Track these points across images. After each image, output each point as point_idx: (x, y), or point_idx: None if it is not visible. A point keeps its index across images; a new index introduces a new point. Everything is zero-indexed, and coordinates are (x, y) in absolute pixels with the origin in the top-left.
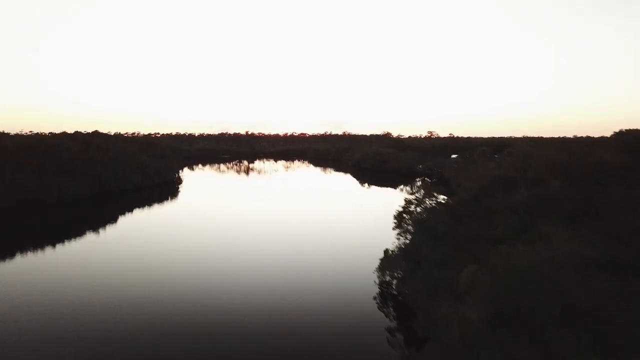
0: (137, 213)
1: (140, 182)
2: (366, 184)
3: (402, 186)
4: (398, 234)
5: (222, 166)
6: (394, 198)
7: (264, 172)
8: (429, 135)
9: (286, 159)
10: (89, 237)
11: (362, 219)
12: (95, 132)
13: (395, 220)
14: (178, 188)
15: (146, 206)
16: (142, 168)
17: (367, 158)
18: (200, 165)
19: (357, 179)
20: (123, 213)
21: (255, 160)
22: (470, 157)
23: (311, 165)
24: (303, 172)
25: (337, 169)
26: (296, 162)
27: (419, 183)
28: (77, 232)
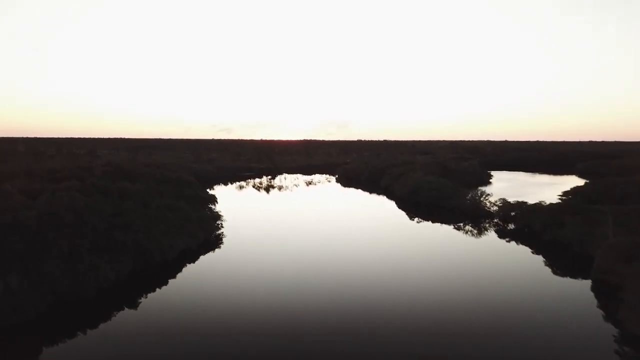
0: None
1: (185, 246)
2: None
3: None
4: None
5: (251, 189)
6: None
7: (304, 199)
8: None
9: (309, 174)
10: None
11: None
12: (121, 169)
13: None
14: (223, 243)
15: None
16: (185, 223)
17: (421, 190)
18: (225, 187)
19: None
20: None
21: (279, 176)
22: None
23: (344, 189)
24: (347, 200)
25: (379, 197)
26: (321, 178)
27: None
28: None
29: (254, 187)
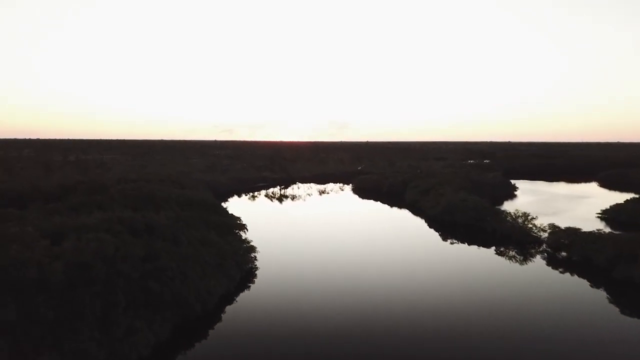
0: None
1: (224, 290)
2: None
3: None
4: None
5: (270, 203)
6: None
7: (327, 216)
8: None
9: (323, 183)
10: None
11: None
12: (141, 191)
13: None
14: (260, 281)
15: None
16: (220, 261)
17: (456, 210)
18: (243, 201)
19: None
20: None
21: (293, 186)
22: None
23: (365, 202)
24: (373, 217)
25: (404, 212)
26: (336, 188)
27: None
28: None
29: (270, 198)
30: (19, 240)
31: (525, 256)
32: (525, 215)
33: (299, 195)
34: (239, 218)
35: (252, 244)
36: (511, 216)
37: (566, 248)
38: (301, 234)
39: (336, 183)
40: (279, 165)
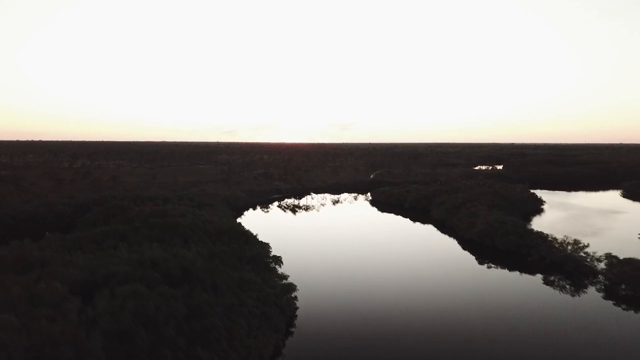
0: None
1: (273, 348)
2: None
3: None
4: None
5: (287, 215)
6: None
7: (351, 233)
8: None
9: (337, 192)
10: None
11: None
12: (166, 218)
13: None
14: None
15: None
16: (263, 309)
17: (496, 234)
18: (259, 214)
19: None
20: None
21: (307, 197)
22: None
23: (387, 216)
24: (401, 235)
25: (431, 230)
26: (352, 199)
27: None
28: None
29: (287, 210)
30: (47, 301)
31: (577, 289)
32: (576, 242)
33: (317, 208)
34: (268, 246)
35: (289, 279)
36: (559, 242)
37: (627, 280)
38: (332, 259)
39: (351, 193)
40: (293, 175)
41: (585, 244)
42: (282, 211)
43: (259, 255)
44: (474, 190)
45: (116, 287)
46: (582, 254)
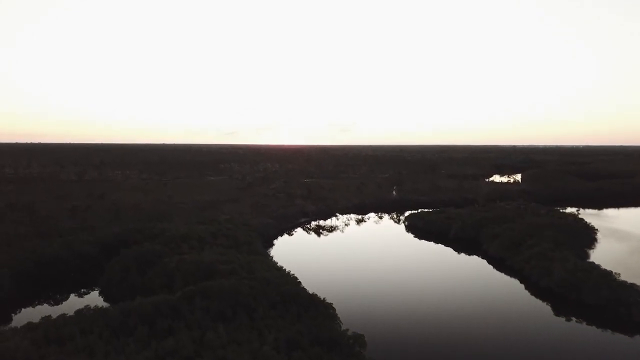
0: None
1: None
2: None
3: None
4: None
5: (320, 245)
6: None
7: (393, 269)
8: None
9: (363, 213)
10: None
11: None
12: (202, 276)
13: None
14: None
15: None
16: None
17: (584, 285)
18: (290, 245)
19: None
20: None
21: (333, 219)
22: None
23: (426, 244)
24: (452, 276)
25: (486, 267)
26: (379, 221)
27: None
28: None
29: (320, 236)
30: None
31: None
32: None
33: (352, 236)
34: (332, 307)
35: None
36: None
37: None
38: (399, 311)
39: (377, 213)
40: (317, 194)
41: None
42: (315, 239)
43: (338, 335)
44: (524, 218)
45: None
46: None
